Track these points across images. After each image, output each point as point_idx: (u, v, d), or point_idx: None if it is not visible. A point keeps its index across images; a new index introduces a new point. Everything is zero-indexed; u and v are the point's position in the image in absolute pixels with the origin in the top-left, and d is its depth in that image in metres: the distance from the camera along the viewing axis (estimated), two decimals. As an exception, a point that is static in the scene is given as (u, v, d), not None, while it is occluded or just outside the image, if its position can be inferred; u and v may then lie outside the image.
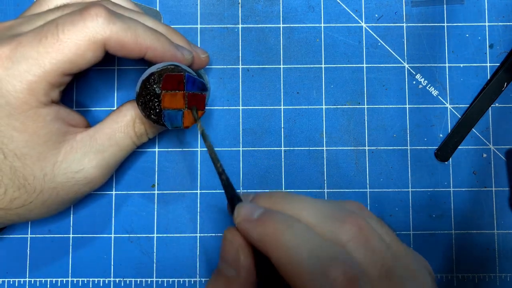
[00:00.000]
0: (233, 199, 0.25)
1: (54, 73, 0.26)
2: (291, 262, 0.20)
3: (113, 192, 0.34)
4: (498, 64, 0.35)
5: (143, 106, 0.27)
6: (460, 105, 0.35)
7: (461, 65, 0.35)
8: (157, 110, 0.27)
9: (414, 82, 0.35)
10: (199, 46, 0.35)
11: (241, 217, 0.23)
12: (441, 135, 0.35)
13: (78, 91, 0.35)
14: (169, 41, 0.29)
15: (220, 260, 0.23)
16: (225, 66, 0.35)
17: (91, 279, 0.34)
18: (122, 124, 0.29)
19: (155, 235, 0.34)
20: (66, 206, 0.30)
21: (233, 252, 0.23)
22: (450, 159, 0.34)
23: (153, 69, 0.27)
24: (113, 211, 0.34)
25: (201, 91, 0.28)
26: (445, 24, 0.35)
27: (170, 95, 0.27)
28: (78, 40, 0.26)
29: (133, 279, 0.34)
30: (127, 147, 0.29)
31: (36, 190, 0.27)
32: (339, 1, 0.35)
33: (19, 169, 0.26)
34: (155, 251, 0.34)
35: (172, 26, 0.32)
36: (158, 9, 0.35)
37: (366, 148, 0.35)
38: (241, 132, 0.35)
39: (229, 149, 0.34)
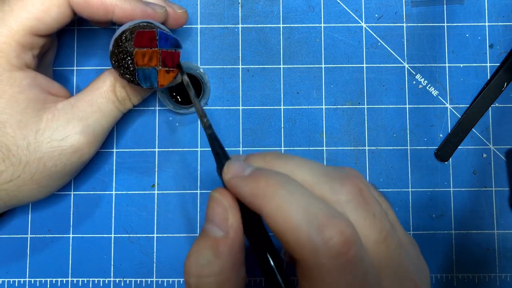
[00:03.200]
0: (221, 156, 0.23)
1: (22, 32, 0.26)
2: (284, 219, 0.19)
3: (113, 192, 0.34)
4: (498, 64, 0.35)
5: (116, 65, 0.27)
6: (460, 105, 0.35)
7: (461, 65, 0.35)
8: (131, 69, 0.27)
9: (414, 82, 0.35)
10: (199, 46, 0.35)
11: (231, 174, 0.22)
12: (441, 135, 0.35)
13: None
14: None
15: (206, 221, 0.22)
16: (225, 66, 0.35)
17: (91, 279, 0.34)
18: (102, 90, 0.29)
19: (155, 235, 0.34)
20: (57, 183, 0.29)
21: (221, 212, 0.22)
22: (450, 159, 0.34)
23: (125, 26, 0.27)
24: (113, 211, 0.34)
25: (175, 48, 0.28)
26: (445, 24, 0.35)
27: (142, 53, 0.27)
28: None
29: (133, 279, 0.34)
30: (110, 112, 0.29)
31: (22, 162, 0.26)
32: (339, 1, 0.35)
33: (0, 138, 0.26)
34: (155, 251, 0.34)
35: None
36: (158, 9, 0.35)
37: (366, 148, 0.35)
38: (241, 132, 0.35)
39: (229, 149, 0.34)
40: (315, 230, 0.19)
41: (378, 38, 0.35)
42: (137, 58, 0.27)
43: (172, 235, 0.34)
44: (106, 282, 0.34)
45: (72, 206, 0.34)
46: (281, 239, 0.20)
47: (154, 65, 0.27)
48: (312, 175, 0.21)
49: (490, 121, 0.35)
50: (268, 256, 0.22)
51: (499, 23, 0.35)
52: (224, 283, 0.21)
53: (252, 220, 0.21)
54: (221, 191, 0.22)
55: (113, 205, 0.34)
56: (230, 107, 0.35)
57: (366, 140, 0.35)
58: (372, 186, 0.23)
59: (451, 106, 0.35)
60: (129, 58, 0.27)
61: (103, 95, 0.29)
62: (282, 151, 0.34)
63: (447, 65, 0.35)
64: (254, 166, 0.22)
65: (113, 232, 0.34)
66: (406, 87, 0.35)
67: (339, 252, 0.18)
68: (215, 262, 0.21)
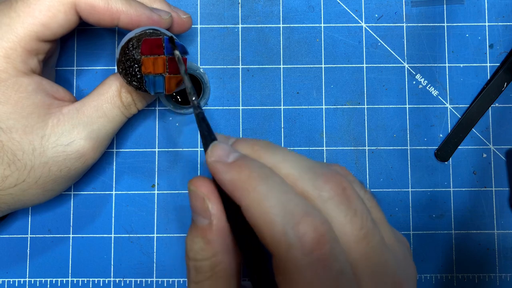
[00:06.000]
0: (207, 138, 0.23)
1: (28, 38, 0.26)
2: (261, 213, 0.19)
3: (113, 192, 0.34)
4: (498, 64, 0.35)
5: (124, 73, 0.27)
6: (460, 105, 0.35)
7: (461, 65, 0.35)
8: (138, 76, 0.27)
9: (414, 82, 0.35)
10: (199, 46, 0.35)
11: (214, 157, 0.21)
12: (441, 135, 0.35)
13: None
14: (142, 5, 0.28)
15: (192, 212, 0.23)
16: (225, 66, 0.35)
17: (91, 279, 0.34)
18: (108, 95, 0.29)
19: (155, 235, 0.34)
20: (61, 187, 0.29)
21: (200, 202, 0.22)
22: (450, 159, 0.34)
23: (131, 34, 0.27)
24: (113, 211, 0.34)
25: (182, 54, 0.28)
26: (445, 24, 0.35)
27: (149, 60, 0.27)
28: (48, 1, 0.26)
29: (133, 279, 0.34)
30: (115, 117, 0.29)
31: (27, 167, 0.27)
32: (339, 1, 0.35)
33: (6, 143, 0.26)
34: (155, 251, 0.34)
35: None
36: (158, 9, 0.35)
37: (366, 148, 0.35)
38: (241, 132, 0.35)
39: (229, 149, 0.34)
40: (290, 226, 0.19)
41: (378, 38, 0.35)
42: (144, 65, 0.27)
43: (172, 235, 0.34)
44: (106, 282, 0.34)
45: (72, 206, 0.34)
46: (258, 233, 0.20)
47: (161, 72, 0.27)
48: (297, 170, 0.21)
49: (490, 121, 0.35)
50: (248, 245, 0.22)
51: (499, 23, 0.35)
52: (219, 264, 0.22)
53: (233, 207, 0.21)
54: (196, 182, 0.22)
55: (113, 205, 0.34)
56: (230, 107, 0.35)
57: (366, 140, 0.35)
58: (359, 184, 0.23)
59: (451, 106, 0.35)
60: (136, 65, 0.27)
61: (108, 100, 0.29)
62: (282, 151, 0.34)
63: (447, 65, 0.35)
64: (240, 153, 0.22)
65: (113, 232, 0.34)
66: (406, 87, 0.35)
67: (312, 249, 0.19)
68: (207, 248, 0.22)
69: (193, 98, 0.24)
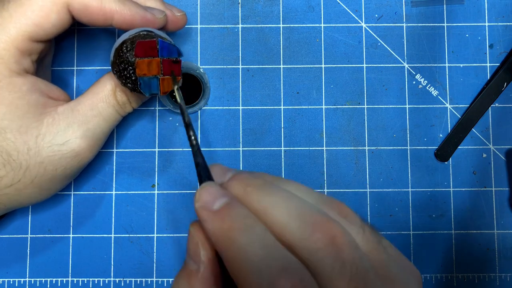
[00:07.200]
0: (202, 175, 0.23)
1: (20, 38, 0.26)
2: (240, 267, 0.19)
3: (113, 192, 0.34)
4: (498, 64, 0.35)
5: (118, 75, 0.27)
6: (460, 105, 0.35)
7: (461, 65, 0.35)
8: (133, 78, 0.27)
9: (414, 82, 0.35)
10: (199, 46, 0.35)
11: (200, 203, 0.21)
12: (441, 135, 0.35)
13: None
14: (136, 4, 0.28)
15: (186, 253, 0.22)
16: (225, 66, 0.35)
17: (91, 279, 0.34)
18: (103, 94, 0.29)
19: (155, 235, 0.34)
20: (58, 186, 0.29)
21: (194, 247, 0.21)
22: (450, 159, 0.34)
23: (125, 36, 0.27)
24: (113, 211, 0.34)
25: (177, 56, 0.28)
26: (445, 24, 0.35)
27: (144, 63, 0.27)
28: (40, 1, 0.26)
29: (133, 279, 0.34)
30: (110, 116, 0.29)
31: (22, 166, 0.27)
32: (339, 1, 0.35)
33: (0, 144, 0.26)
34: (155, 251, 0.34)
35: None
36: (158, 9, 0.35)
37: (366, 148, 0.35)
38: (241, 132, 0.35)
39: (229, 149, 0.34)
40: (268, 282, 0.18)
41: (378, 38, 0.35)
42: (138, 68, 0.27)
43: (172, 235, 0.34)
44: (106, 282, 0.34)
45: (72, 206, 0.34)
46: (238, 285, 0.19)
47: (155, 74, 0.27)
48: (286, 217, 0.20)
49: (490, 121, 0.35)
50: None
51: (499, 23, 0.35)
52: None
53: None
54: (196, 225, 0.22)
55: (113, 205, 0.34)
56: (230, 107, 0.35)
57: (366, 140, 0.35)
58: (360, 224, 0.22)
59: (451, 106, 0.35)
60: (130, 68, 0.27)
61: (103, 99, 0.29)
62: (282, 151, 0.34)
63: (447, 65, 0.35)
64: (228, 197, 0.21)
65: (113, 232, 0.34)
66: (406, 87, 0.35)
67: None
68: None
69: (191, 133, 0.24)
